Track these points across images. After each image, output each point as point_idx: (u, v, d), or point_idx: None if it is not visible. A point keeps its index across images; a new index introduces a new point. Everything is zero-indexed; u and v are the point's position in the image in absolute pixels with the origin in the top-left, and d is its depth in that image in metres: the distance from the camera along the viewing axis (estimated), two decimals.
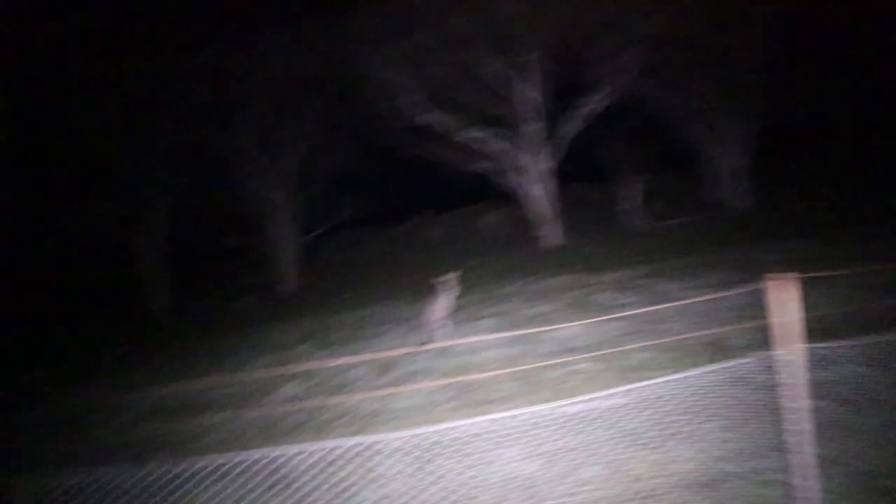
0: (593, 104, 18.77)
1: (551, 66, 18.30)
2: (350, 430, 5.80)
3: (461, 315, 10.90)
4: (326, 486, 3.66)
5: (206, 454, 5.82)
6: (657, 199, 21.76)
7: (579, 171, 24.67)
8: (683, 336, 7.18)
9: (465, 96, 18.63)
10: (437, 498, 4.12)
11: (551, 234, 19.38)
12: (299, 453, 3.12)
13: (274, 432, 6.08)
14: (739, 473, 4.19)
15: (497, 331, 9.41)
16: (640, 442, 4.55)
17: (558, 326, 7.67)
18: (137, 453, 5.83)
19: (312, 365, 8.69)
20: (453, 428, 3.10)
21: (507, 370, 6.93)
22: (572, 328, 8.52)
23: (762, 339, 6.35)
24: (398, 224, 28.43)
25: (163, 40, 17.56)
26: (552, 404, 3.73)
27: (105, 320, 19.36)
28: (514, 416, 3.25)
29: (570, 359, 7.12)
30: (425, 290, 13.97)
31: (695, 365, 6.30)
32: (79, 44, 16.88)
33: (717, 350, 6.46)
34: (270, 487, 3.61)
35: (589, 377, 6.30)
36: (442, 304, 9.50)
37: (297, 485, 3.41)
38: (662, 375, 6.16)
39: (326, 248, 25.65)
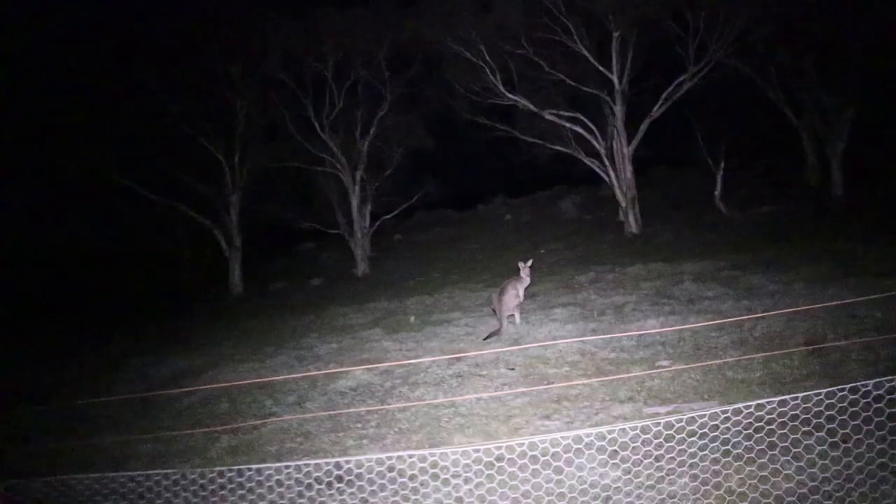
0: (679, 85, 17.84)
1: (636, 45, 17.51)
2: (415, 425, 5.53)
3: (534, 303, 10.54)
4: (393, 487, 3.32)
5: (266, 445, 5.72)
6: (741, 186, 20.61)
7: (658, 156, 23.71)
8: (778, 335, 6.61)
9: (546, 77, 18.08)
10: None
11: (629, 220, 18.64)
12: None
13: (337, 423, 5.88)
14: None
15: (571, 321, 9.00)
16: (733, 454, 4.08)
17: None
18: (197, 442, 5.76)
19: (379, 356, 8.51)
20: (531, 444, 2.73)
21: (582, 367, 6.54)
22: (649, 322, 8.04)
23: (874, 352, 5.73)
24: (470, 208, 28.12)
25: (237, 18, 17.80)
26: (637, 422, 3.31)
27: (187, 298, 19.88)
28: (599, 434, 2.83)
29: (650, 355, 6.67)
30: (496, 277, 13.69)
31: (787, 368, 5.76)
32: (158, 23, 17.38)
33: (819, 358, 5.85)
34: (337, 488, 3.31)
35: (671, 377, 5.82)
36: (513, 293, 9.14)
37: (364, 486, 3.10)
38: (751, 379, 5.64)
39: (397, 230, 25.65)
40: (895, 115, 19.92)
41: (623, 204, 18.82)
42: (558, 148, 19.54)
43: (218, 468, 2.85)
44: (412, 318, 11.08)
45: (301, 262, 23.62)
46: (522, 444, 2.75)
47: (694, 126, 18.97)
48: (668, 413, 4.92)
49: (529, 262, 9.38)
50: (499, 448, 3.09)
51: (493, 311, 9.38)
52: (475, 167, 27.23)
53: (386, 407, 6.23)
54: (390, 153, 20.93)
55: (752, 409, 3.47)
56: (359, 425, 5.68)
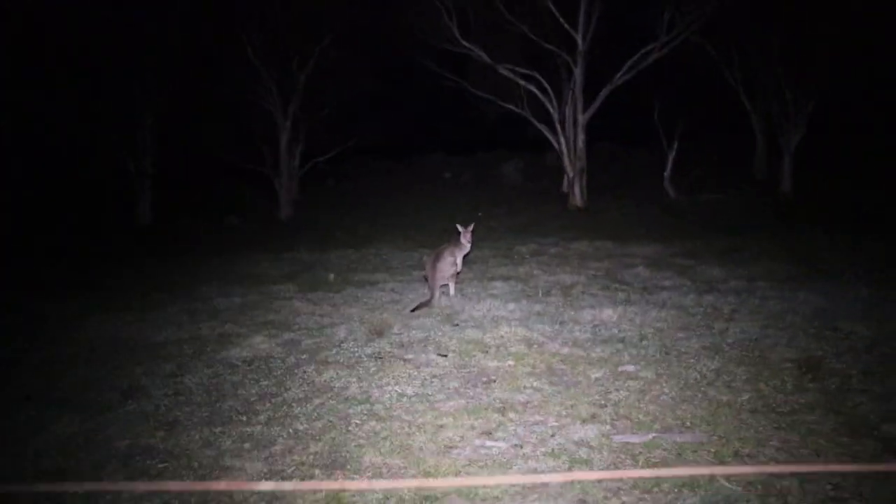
0: (646, 55, 16.79)
1: (602, 9, 16.33)
2: (316, 427, 4.24)
3: (471, 272, 9.41)
4: None
5: (115, 438, 4.35)
6: (691, 170, 19.99)
7: (608, 130, 22.80)
8: (756, 345, 5.64)
9: (506, 28, 16.70)
10: None
11: (574, 192, 17.70)
12: None
13: (216, 411, 4.54)
14: None
15: (513, 299, 7.86)
16: None
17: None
18: (26, 426, 4.34)
19: (286, 319, 7.17)
20: None
21: (530, 362, 5.40)
22: (604, 312, 6.96)
23: (878, 381, 4.80)
24: (407, 161, 26.70)
25: None
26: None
27: (83, 228, 17.75)
28: None
29: (610, 355, 5.59)
30: (430, 237, 12.48)
31: (780, 392, 4.70)
32: None
33: (811, 371, 4.89)
34: None
35: (641, 387, 4.74)
36: (450, 260, 7.93)
37: None
38: (739, 404, 4.34)
39: (327, 176, 24.04)
40: (851, 112, 19.63)
41: (570, 174, 17.86)
42: (510, 107, 18.36)
43: None
44: (331, 276, 9.76)
45: (220, 199, 21.71)
46: None
47: (653, 102, 18.12)
48: (644, 444, 3.83)
49: (471, 227, 8.14)
50: None
51: (425, 277, 8.16)
52: (417, 118, 25.72)
53: (287, 391, 4.96)
54: (330, 92, 19.22)
55: None
56: (244, 418, 4.37)
